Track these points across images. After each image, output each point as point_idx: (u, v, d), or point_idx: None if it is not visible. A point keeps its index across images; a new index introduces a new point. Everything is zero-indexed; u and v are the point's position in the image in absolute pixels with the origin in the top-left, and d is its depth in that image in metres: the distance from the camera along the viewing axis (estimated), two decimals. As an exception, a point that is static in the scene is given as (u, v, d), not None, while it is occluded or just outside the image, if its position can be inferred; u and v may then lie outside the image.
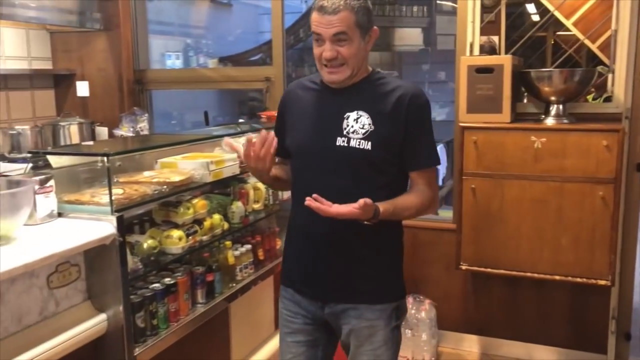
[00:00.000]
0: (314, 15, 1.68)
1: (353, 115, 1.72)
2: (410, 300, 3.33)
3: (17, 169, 3.16)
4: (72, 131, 3.80)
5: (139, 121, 3.89)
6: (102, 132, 3.93)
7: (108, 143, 3.41)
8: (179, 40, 5.35)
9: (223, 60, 5.05)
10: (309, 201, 1.60)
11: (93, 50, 3.99)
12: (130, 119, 3.89)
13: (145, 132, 3.89)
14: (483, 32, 3.16)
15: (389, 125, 1.71)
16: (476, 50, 3.13)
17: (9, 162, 3.47)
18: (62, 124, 3.79)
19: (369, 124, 1.71)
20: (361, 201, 1.57)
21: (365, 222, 1.64)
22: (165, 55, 5.08)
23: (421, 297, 3.36)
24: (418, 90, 1.77)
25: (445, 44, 6.33)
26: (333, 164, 1.73)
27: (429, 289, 3.41)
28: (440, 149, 5.17)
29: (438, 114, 6.21)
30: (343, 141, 1.71)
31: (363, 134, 1.71)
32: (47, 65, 4.05)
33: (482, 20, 3.13)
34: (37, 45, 3.97)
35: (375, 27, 1.74)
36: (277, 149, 1.73)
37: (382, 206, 1.65)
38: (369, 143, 1.70)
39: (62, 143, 3.79)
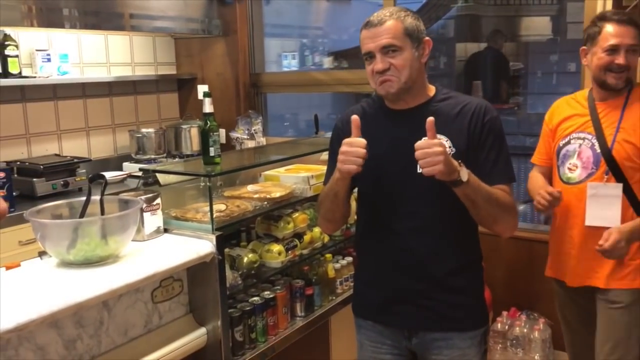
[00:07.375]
0: (362, 34, 1.63)
1: None
2: (523, 317, 3.15)
3: (134, 171, 3.47)
4: (192, 133, 4.01)
5: (254, 124, 4.03)
6: (220, 134, 4.09)
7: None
8: (296, 40, 5.42)
9: (337, 57, 5.06)
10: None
11: (212, 55, 4.16)
12: (245, 121, 4.04)
13: (260, 135, 4.02)
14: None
15: (468, 144, 1.64)
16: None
17: (134, 162, 3.76)
18: (183, 126, 4.01)
19: (450, 147, 1.63)
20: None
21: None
22: (282, 56, 5.17)
23: (535, 314, 3.17)
24: (488, 103, 1.69)
25: (577, 32, 5.81)
26: (415, 192, 1.66)
27: (544, 307, 3.18)
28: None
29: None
30: None
31: None
32: (172, 70, 4.29)
33: (627, 6, 2.81)
34: (163, 51, 4.21)
35: (428, 38, 1.65)
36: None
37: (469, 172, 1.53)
38: None
39: (183, 145, 4.01)
